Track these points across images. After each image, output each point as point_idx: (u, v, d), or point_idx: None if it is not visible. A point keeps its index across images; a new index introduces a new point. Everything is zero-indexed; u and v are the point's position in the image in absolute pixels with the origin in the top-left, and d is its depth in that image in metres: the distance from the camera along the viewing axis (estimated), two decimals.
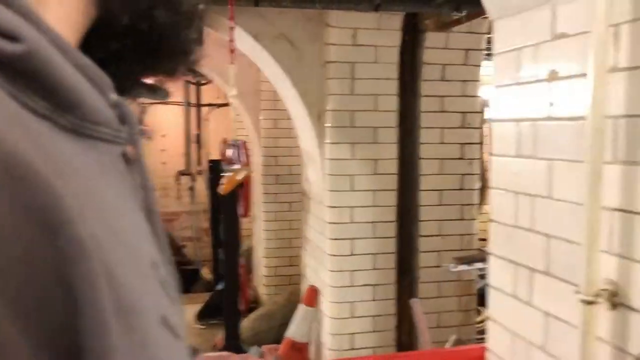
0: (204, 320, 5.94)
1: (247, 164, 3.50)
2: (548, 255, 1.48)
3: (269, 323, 5.13)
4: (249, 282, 6.83)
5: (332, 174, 3.57)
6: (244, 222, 8.38)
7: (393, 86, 3.57)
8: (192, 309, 6.25)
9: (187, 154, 8.26)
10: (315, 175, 3.84)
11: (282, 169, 5.89)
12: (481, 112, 3.78)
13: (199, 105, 8.21)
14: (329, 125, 3.55)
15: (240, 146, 3.48)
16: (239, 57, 4.55)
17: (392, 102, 3.58)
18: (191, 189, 8.10)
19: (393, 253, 3.65)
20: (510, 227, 1.65)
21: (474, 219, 3.79)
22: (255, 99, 6.11)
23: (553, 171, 1.47)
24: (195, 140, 8.23)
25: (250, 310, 5.68)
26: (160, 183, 8.39)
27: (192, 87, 8.19)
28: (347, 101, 3.53)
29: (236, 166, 3.44)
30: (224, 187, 3.40)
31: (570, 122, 1.41)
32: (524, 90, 1.59)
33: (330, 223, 3.58)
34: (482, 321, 3.46)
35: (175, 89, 8.38)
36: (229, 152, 3.52)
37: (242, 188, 4.05)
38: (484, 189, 4.21)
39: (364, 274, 3.60)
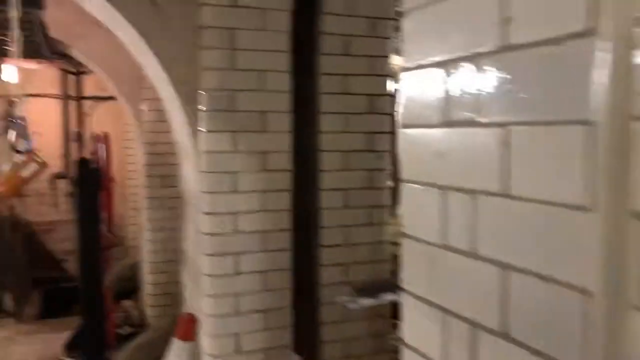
0: (76, 352, 4.96)
1: (34, 154, 2.62)
2: (507, 302, 0.79)
3: (150, 354, 4.26)
4: (136, 302, 5.90)
5: (209, 171, 2.80)
6: (132, 231, 7.42)
7: (285, 61, 2.86)
8: (63, 337, 5.24)
9: (66, 155, 7.17)
10: (191, 174, 3.06)
11: (168, 169, 5.03)
12: (391, 95, 3.14)
13: (79, 99, 7.14)
14: (204, 108, 2.78)
15: (24, 127, 2.59)
16: (116, 35, 3.68)
17: (283, 81, 2.87)
18: (71, 194, 7.01)
19: (288, 270, 2.93)
20: (435, 248, 0.96)
21: (385, 224, 3.14)
22: (136, 86, 5.22)
23: (510, 142, 0.78)
24: (75, 138, 7.15)
25: (134, 336, 4.79)
26: (34, 188, 7.24)
27: (71, 78, 7.12)
28: (227, 78, 2.77)
29: (18, 157, 2.55)
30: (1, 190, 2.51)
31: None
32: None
33: (207, 234, 2.81)
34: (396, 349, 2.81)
35: (52, 79, 7.27)
36: (10, 136, 2.62)
37: (104, 192, 3.19)
38: (397, 188, 3.58)
39: (251, 298, 2.86)
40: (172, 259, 5.07)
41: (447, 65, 0.92)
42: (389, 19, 3.05)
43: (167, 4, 2.76)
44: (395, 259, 5.14)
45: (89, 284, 3.61)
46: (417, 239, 1.03)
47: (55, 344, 5.21)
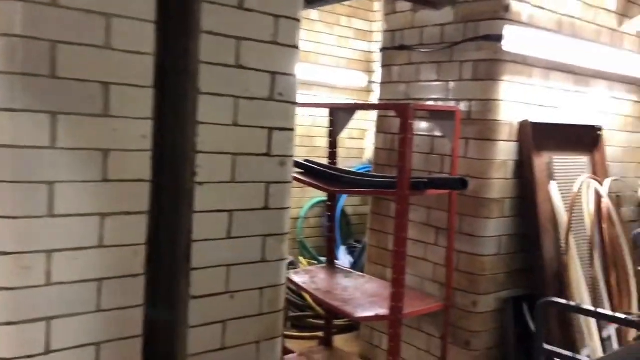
0: None
1: None
2: None
3: None
4: None
5: (4, 181, 1.60)
6: None
7: (149, 3, 1.76)
8: None
9: None
10: None
11: None
12: (292, 75, 2.18)
13: None
14: None
15: None
16: None
17: (142, 36, 1.77)
18: None
19: (138, 337, 1.85)
20: None
21: (283, 259, 2.20)
22: None
23: None
24: None
25: None
26: None
27: None
28: (43, 19, 1.60)
29: None
30: None
31: None
32: None
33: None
34: None
35: None
36: None
37: None
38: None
39: None
40: None
41: None
42: None
43: None
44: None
45: None
46: None
47: None
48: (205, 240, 1.97)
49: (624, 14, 4.04)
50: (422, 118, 3.54)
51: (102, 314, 1.77)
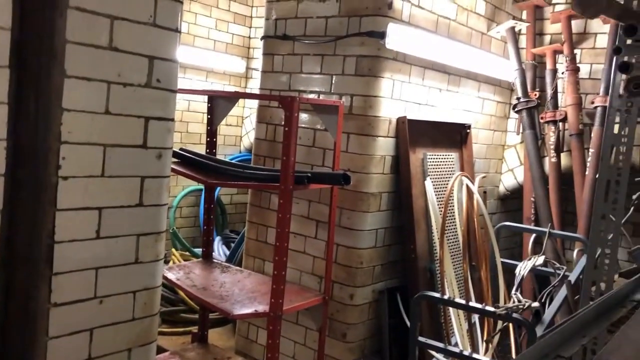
0: None
1: None
2: None
3: None
4: None
5: None
6: None
7: None
8: None
9: None
10: None
11: None
12: (173, 61, 2.02)
13: None
14: None
15: None
16: None
17: None
18: None
19: None
20: None
21: (159, 260, 2.04)
22: None
23: None
24: None
25: None
26: None
27: None
28: None
29: None
30: None
31: None
32: None
33: None
34: None
35: None
36: None
37: None
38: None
39: None
40: None
41: None
42: None
43: None
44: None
45: None
46: None
47: None
48: (71, 241, 1.76)
49: (491, 19, 4.29)
50: (305, 110, 3.50)
51: None
